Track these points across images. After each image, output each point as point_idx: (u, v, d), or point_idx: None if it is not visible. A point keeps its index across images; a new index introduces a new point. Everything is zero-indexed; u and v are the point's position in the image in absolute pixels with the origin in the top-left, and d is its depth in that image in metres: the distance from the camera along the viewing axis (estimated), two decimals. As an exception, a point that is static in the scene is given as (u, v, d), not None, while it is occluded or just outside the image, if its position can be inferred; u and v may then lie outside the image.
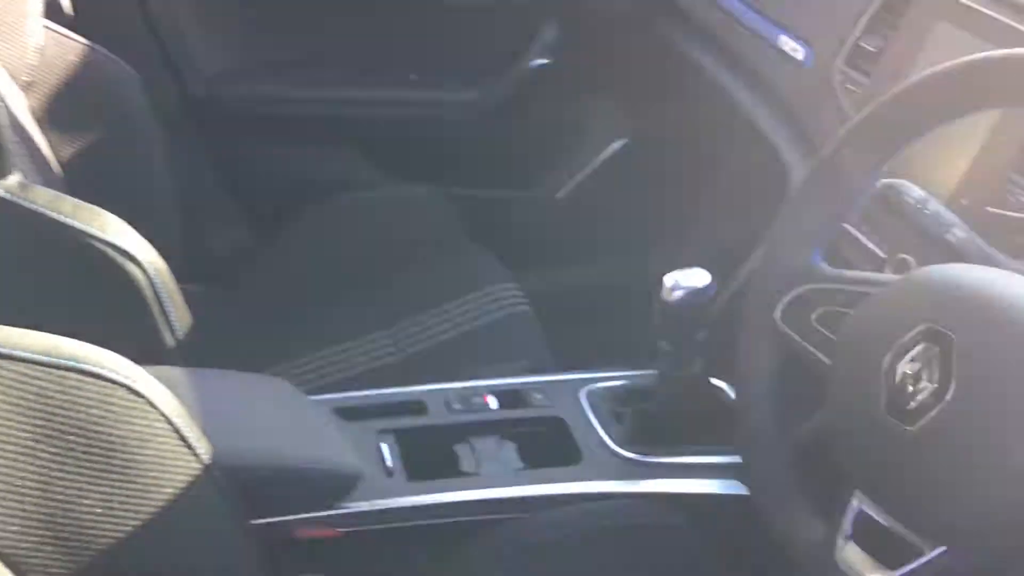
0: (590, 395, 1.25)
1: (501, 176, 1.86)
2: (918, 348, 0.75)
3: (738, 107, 1.49)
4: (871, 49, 1.26)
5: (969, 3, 1.14)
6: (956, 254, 0.91)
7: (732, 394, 1.25)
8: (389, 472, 1.12)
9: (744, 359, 0.91)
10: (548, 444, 1.19)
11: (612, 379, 1.28)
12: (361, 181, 1.78)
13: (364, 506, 1.07)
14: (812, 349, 0.87)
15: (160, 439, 0.82)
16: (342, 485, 1.06)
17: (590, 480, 1.14)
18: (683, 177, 1.74)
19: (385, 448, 1.14)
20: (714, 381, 1.24)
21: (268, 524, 1.03)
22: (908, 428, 0.74)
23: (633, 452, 1.17)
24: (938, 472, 0.73)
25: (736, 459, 1.17)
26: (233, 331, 1.51)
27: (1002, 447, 0.69)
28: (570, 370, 1.33)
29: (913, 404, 0.74)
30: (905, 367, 0.76)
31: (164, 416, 0.82)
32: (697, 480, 1.15)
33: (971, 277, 0.76)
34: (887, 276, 0.85)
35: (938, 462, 0.73)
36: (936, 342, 0.74)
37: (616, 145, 1.87)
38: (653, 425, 1.20)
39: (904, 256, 1.13)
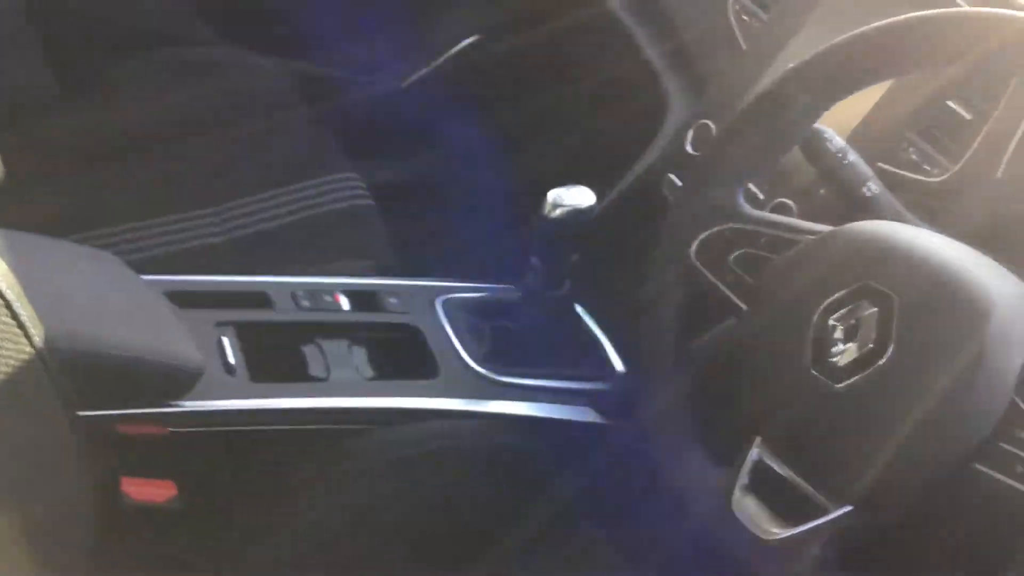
0: (447, 305, 1.17)
1: (346, 56, 1.72)
2: (853, 305, 0.73)
3: (615, 19, 1.42)
4: (772, -20, 1.23)
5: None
6: (869, 208, 0.90)
7: (589, 318, 1.23)
8: (230, 369, 1.00)
9: (651, 288, 0.87)
10: (402, 353, 1.12)
11: (470, 290, 1.21)
12: (194, 39, 1.59)
13: (201, 405, 0.96)
14: (726, 291, 0.84)
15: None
16: (181, 381, 0.94)
17: (445, 397, 1.07)
18: (545, 82, 1.66)
19: (227, 342, 1.02)
20: (576, 307, 1.20)
21: (94, 417, 0.90)
22: (834, 385, 0.72)
23: (491, 370, 1.12)
24: (860, 433, 0.71)
25: (595, 386, 1.15)
26: (38, 187, 1.32)
27: (930, 415, 0.68)
28: (421, 275, 1.26)
29: (843, 362, 0.72)
30: (837, 322, 0.73)
31: None
32: (554, 405, 1.12)
33: (911, 238, 0.74)
34: (814, 225, 0.82)
35: (861, 422, 0.71)
36: (875, 302, 0.72)
37: (468, 40, 1.76)
38: (512, 344, 1.15)
39: (784, 200, 1.13)
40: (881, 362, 0.70)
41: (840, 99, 0.82)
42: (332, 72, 1.70)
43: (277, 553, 0.98)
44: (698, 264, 0.85)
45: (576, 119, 1.59)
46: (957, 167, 1.00)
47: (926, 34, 0.75)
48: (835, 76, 0.79)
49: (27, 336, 0.74)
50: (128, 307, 0.96)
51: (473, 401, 1.08)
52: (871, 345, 0.71)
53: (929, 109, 1.03)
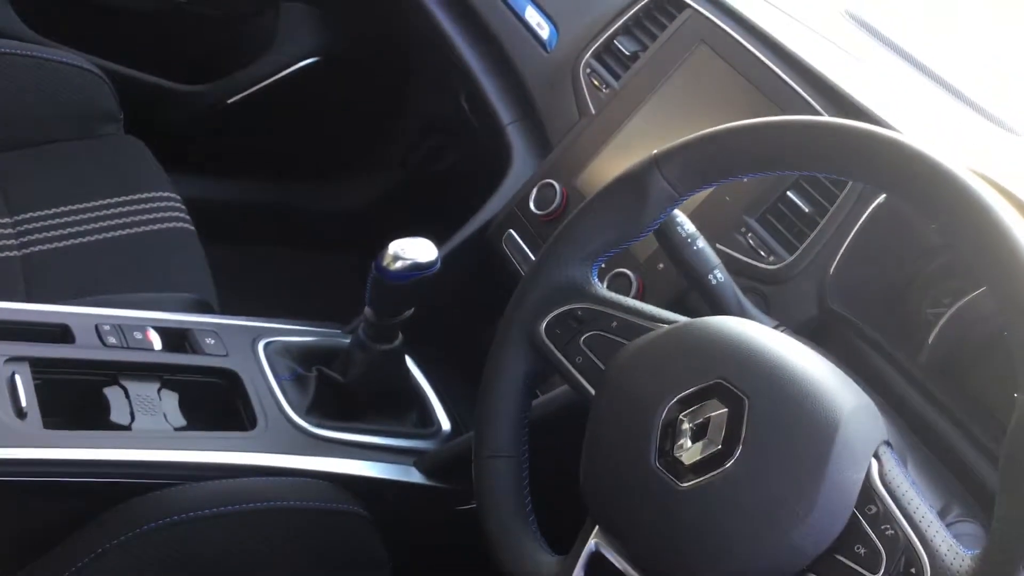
0: (269, 349, 1.11)
1: (171, 67, 1.61)
2: (704, 403, 0.72)
3: (464, 67, 1.39)
4: (625, 52, 1.23)
5: (730, 32, 1.15)
6: (712, 296, 0.90)
7: (416, 370, 1.19)
8: (21, 413, 0.90)
9: (495, 362, 0.84)
10: (217, 400, 1.04)
11: (293, 333, 1.15)
12: (4, 32, 1.45)
13: (-16, 453, 0.86)
14: (574, 371, 0.81)
15: None
16: (-39, 426, 0.84)
17: (261, 452, 1.01)
18: (379, 113, 1.61)
19: (19, 381, 0.92)
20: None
21: None
22: (678, 483, 0.71)
23: (312, 424, 1.06)
24: (701, 534, 0.70)
25: (417, 444, 1.11)
26: None
27: (773, 522, 0.68)
28: (238, 312, 1.18)
29: (689, 460, 0.71)
30: (687, 420, 0.72)
31: None
32: (376, 463, 1.07)
33: (765, 341, 0.74)
34: (667, 313, 0.81)
35: (704, 524, 0.70)
36: (727, 402, 0.71)
37: (305, 61, 1.70)
38: (337, 395, 1.10)
39: (624, 271, 1.13)
40: (727, 465, 0.70)
41: (701, 190, 0.82)
42: (155, 80, 1.59)
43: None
44: (547, 342, 0.83)
45: (412, 160, 1.55)
46: (792, 258, 1.02)
47: (797, 140, 0.75)
48: (697, 167, 0.79)
49: None
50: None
51: (292, 457, 1.02)
52: (719, 447, 0.71)
53: (769, 197, 1.05)
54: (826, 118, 0.78)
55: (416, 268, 1.02)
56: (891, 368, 0.92)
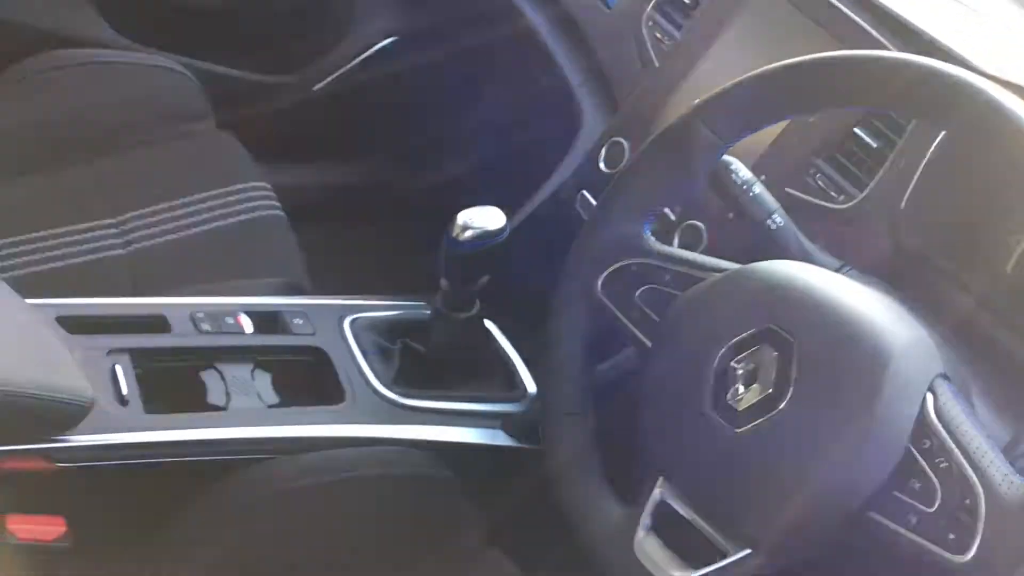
0: (355, 325, 1.15)
1: (254, 59, 1.67)
2: (754, 348, 0.73)
3: (533, 33, 1.40)
4: (686, 1, 1.22)
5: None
6: (773, 241, 0.89)
7: (502, 337, 1.21)
8: (123, 400, 0.96)
9: (557, 320, 0.85)
10: (307, 377, 1.09)
11: (379, 308, 1.19)
12: (97, 40, 1.52)
13: (91, 439, 0.92)
14: (631, 327, 0.83)
15: None
16: (69, 414, 0.90)
17: (351, 423, 1.05)
18: (458, 87, 1.64)
19: (120, 371, 0.98)
20: (487, 324, 1.18)
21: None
22: (733, 429, 0.72)
23: (398, 394, 1.09)
24: (757, 477, 0.71)
25: (503, 408, 1.13)
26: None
27: (827, 462, 0.68)
28: (325, 288, 1.22)
29: (742, 406, 0.72)
30: (738, 365, 0.73)
31: None
32: (463, 429, 1.10)
33: (814, 282, 0.73)
34: (720, 262, 0.81)
35: (759, 468, 0.71)
36: (775, 345, 0.71)
37: (384, 42, 1.73)
38: (421, 366, 1.13)
39: (694, 222, 1.13)
40: (779, 408, 0.70)
41: (744, 136, 0.82)
42: (240, 74, 1.65)
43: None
44: (604, 299, 0.84)
45: (490, 131, 1.57)
46: (862, 195, 1.00)
47: (829, 76, 0.74)
48: (738, 113, 0.78)
49: None
50: (11, 338, 0.91)
51: (380, 426, 1.06)
52: (770, 390, 0.71)
53: (836, 136, 1.03)
54: (859, 52, 0.76)
55: (486, 236, 1.04)
56: (967, 298, 0.90)
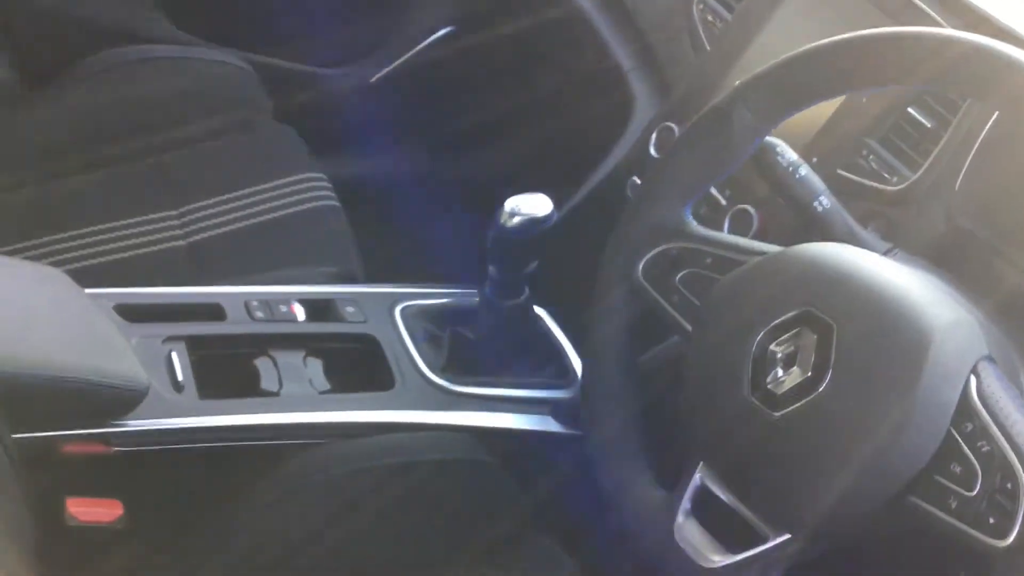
0: (405, 313, 1.16)
1: (312, 52, 1.69)
2: (793, 331, 0.72)
3: (585, 18, 1.39)
4: (737, -18, 1.21)
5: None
6: (820, 223, 0.88)
7: (552, 323, 1.21)
8: (179, 386, 0.99)
9: (598, 304, 0.85)
10: (358, 364, 1.10)
11: (430, 296, 1.20)
12: (157, 36, 1.56)
13: (147, 424, 0.95)
14: (671, 310, 0.82)
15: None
16: (124, 401, 0.93)
17: (401, 409, 1.06)
18: (512, 77, 1.64)
19: (175, 358, 1.01)
20: (536, 309, 1.18)
21: (32, 439, 0.89)
22: (772, 413, 0.71)
23: (448, 380, 1.10)
24: (796, 462, 0.70)
25: (553, 394, 1.14)
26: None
27: (866, 446, 0.67)
28: (380, 277, 1.24)
29: (781, 390, 0.71)
30: (777, 349, 0.72)
31: None
32: (512, 415, 1.10)
33: (854, 264, 0.72)
34: (761, 245, 0.80)
35: (798, 452, 0.70)
36: (814, 328, 0.70)
37: (440, 32, 1.74)
38: (471, 353, 1.14)
39: (745, 207, 1.11)
40: (818, 391, 0.69)
41: (786, 117, 0.80)
42: (298, 66, 1.67)
43: (227, 572, 0.96)
44: (644, 283, 0.84)
45: (543, 117, 1.57)
46: (916, 176, 0.98)
47: (871, 55, 0.73)
48: (779, 94, 0.77)
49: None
50: (71, 326, 0.94)
51: (429, 412, 1.07)
52: (809, 374, 0.70)
53: (889, 115, 1.01)
54: (902, 28, 0.74)
55: (533, 223, 1.04)
56: (1021, 278, 0.87)
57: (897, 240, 0.94)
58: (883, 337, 0.68)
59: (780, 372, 0.71)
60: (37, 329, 0.90)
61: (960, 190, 0.93)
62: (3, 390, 0.80)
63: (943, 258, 0.89)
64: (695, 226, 0.83)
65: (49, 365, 0.87)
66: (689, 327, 0.81)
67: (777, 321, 0.72)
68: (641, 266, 0.84)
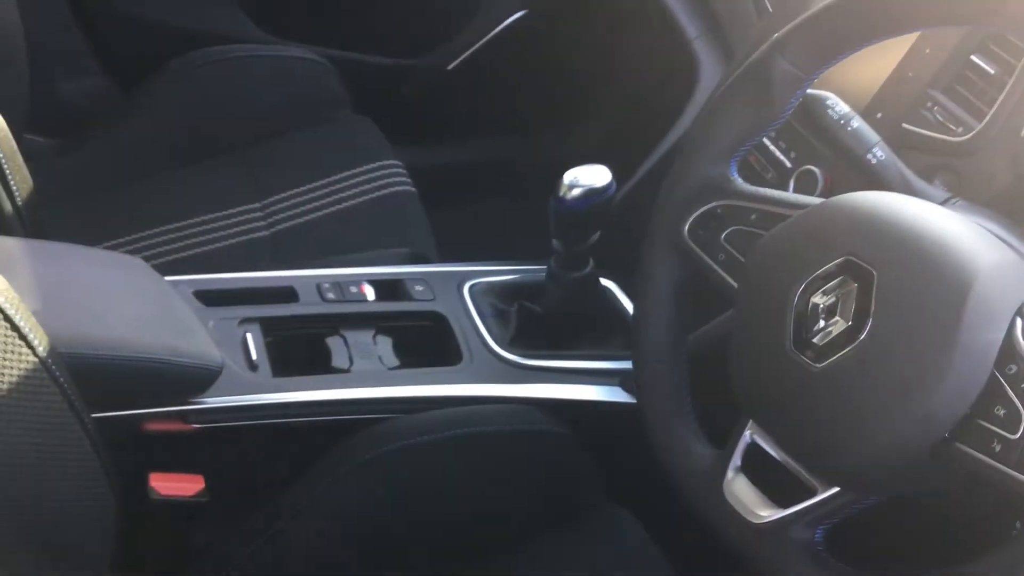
0: (473, 290, 1.18)
1: (389, 43, 1.73)
2: (834, 281, 0.71)
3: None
4: (796, -59, 1.18)
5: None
6: (875, 175, 0.86)
7: (621, 294, 1.21)
8: (253, 365, 1.03)
9: (645, 268, 0.85)
10: (427, 341, 1.12)
11: (497, 273, 1.21)
12: (238, 36, 1.62)
13: (223, 401, 0.99)
14: (718, 269, 0.81)
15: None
16: (200, 380, 0.97)
17: (469, 383, 1.08)
18: (583, 56, 1.64)
19: (250, 338, 1.05)
20: (604, 281, 1.19)
21: (114, 417, 0.94)
22: (814, 365, 0.70)
23: (515, 354, 1.12)
24: (840, 413, 0.69)
25: (621, 365, 1.14)
26: (82, 192, 1.37)
27: (908, 392, 0.66)
28: (453, 260, 1.26)
29: (823, 340, 0.70)
30: (819, 300, 0.71)
31: None
32: (580, 386, 1.11)
33: (896, 210, 0.70)
34: (805, 198, 0.79)
35: (842, 403, 0.69)
36: (855, 277, 0.69)
37: (514, 16, 1.75)
38: (538, 326, 1.15)
39: (811, 167, 1.09)
40: (859, 340, 0.68)
41: (826, 67, 0.79)
42: (375, 59, 1.71)
43: (306, 541, 1.00)
44: (691, 243, 0.83)
45: (615, 95, 1.57)
46: (981, 125, 0.95)
47: None
48: (818, 43, 0.76)
49: (30, 347, 0.76)
50: (149, 310, 0.99)
51: (497, 386, 1.09)
52: (850, 323, 0.68)
53: (953, 65, 0.98)
54: None
55: (592, 193, 1.05)
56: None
57: (964, 192, 0.91)
58: (923, 281, 0.66)
59: (822, 323, 0.70)
60: (116, 312, 0.95)
61: (1026, 137, 0.90)
62: (82, 371, 0.85)
63: (1010, 209, 0.86)
64: (739, 183, 0.82)
65: (127, 346, 0.92)
66: (735, 285, 0.80)
67: (819, 272, 0.71)
68: (687, 227, 0.84)
